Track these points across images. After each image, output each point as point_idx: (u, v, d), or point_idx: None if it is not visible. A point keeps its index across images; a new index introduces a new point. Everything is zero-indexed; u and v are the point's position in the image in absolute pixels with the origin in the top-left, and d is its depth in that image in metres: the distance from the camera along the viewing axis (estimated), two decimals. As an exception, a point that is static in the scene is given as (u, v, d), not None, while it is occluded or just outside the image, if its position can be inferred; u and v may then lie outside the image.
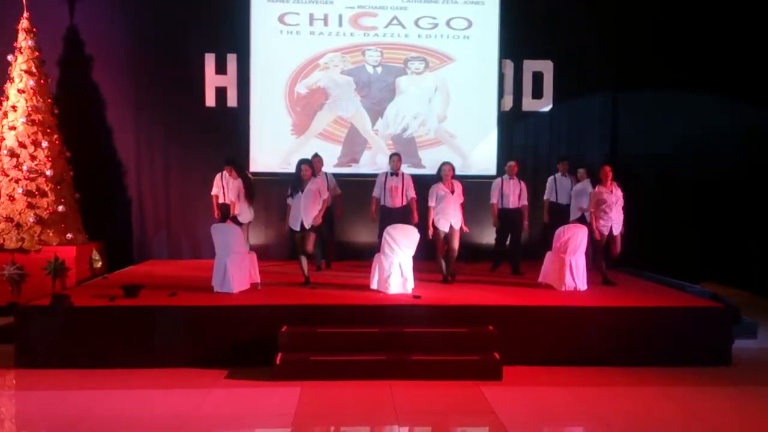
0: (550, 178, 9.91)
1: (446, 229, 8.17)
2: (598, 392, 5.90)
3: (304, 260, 7.92)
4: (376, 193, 9.10)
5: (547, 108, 11.03)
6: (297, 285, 7.89)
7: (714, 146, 10.67)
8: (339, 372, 6.09)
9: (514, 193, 9.11)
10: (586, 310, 6.89)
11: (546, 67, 10.95)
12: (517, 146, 10.90)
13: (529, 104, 11.04)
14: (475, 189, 9.62)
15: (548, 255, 8.10)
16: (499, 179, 9.28)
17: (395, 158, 9.11)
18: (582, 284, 7.78)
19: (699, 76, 10.69)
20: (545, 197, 9.92)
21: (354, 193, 9.99)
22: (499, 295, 7.50)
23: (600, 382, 6.18)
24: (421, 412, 5.41)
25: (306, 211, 7.70)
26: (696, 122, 10.73)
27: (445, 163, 8.33)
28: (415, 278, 7.60)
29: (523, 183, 9.25)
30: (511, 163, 9.30)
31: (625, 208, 8.33)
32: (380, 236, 8.15)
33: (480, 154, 10.89)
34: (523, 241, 9.50)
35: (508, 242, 9.35)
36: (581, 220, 9.19)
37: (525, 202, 9.21)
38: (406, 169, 9.97)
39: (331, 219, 9.41)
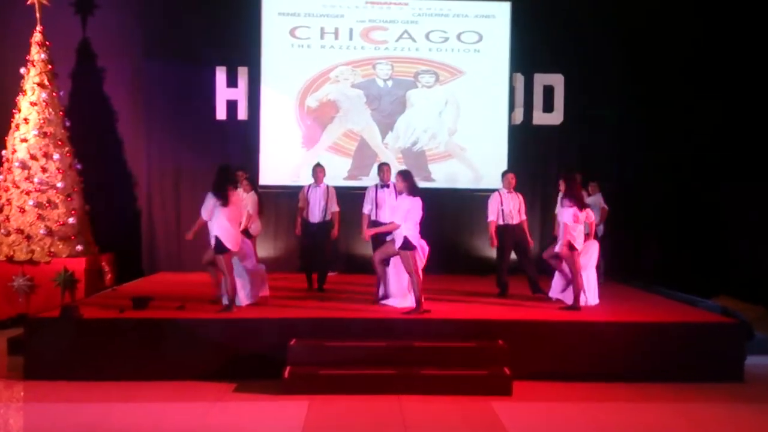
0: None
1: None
2: (609, 408, 5.85)
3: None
4: (366, 209, 8.56)
5: (558, 122, 11.00)
6: (305, 299, 7.90)
7: (728, 159, 10.61)
8: (348, 386, 6.05)
9: (514, 208, 8.41)
10: (597, 325, 6.83)
11: (557, 80, 10.94)
12: (527, 160, 10.86)
13: (539, 118, 11.01)
14: (485, 203, 9.54)
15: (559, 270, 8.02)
16: (496, 194, 8.54)
17: (384, 168, 8.61)
18: (593, 299, 7.72)
19: (713, 88, 10.65)
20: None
21: (362, 205, 9.91)
22: (509, 309, 7.45)
23: (611, 397, 6.12)
24: (431, 427, 5.36)
25: None
26: (709, 134, 10.68)
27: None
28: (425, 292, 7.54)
29: (520, 196, 8.56)
30: (509, 174, 8.62)
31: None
32: (374, 251, 7.86)
33: (491, 167, 10.81)
34: (534, 256, 9.03)
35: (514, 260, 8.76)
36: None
37: (524, 216, 8.52)
38: (417, 183, 9.93)
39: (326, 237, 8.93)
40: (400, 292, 7.41)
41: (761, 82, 10.45)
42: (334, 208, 8.91)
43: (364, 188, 9.51)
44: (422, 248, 7.41)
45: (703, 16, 10.69)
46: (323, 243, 8.86)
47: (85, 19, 10.50)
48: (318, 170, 8.92)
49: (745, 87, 10.54)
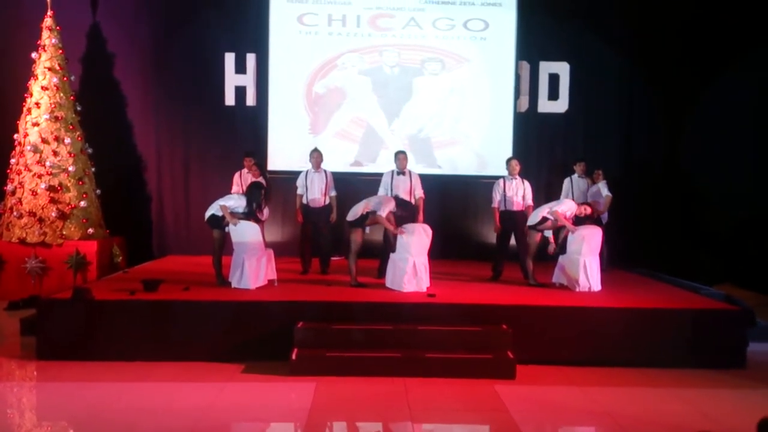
0: (567, 180, 9.90)
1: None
2: (611, 392, 5.91)
3: None
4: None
5: (563, 109, 11.04)
6: (312, 282, 7.99)
7: (731, 148, 10.66)
8: (354, 368, 6.13)
9: (517, 194, 8.52)
10: (599, 311, 6.90)
11: (562, 68, 10.98)
12: (532, 147, 10.93)
13: (545, 106, 11.07)
14: (490, 189, 9.60)
15: (562, 255, 8.11)
16: (501, 180, 8.70)
17: (401, 156, 8.64)
18: (596, 285, 7.79)
19: (718, 78, 10.67)
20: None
21: (365, 191, 9.91)
22: (513, 294, 7.53)
23: (613, 382, 6.19)
24: (435, 409, 5.45)
25: None
26: (712, 123, 10.72)
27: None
28: (430, 277, 7.65)
29: (527, 183, 8.65)
30: (513, 161, 8.67)
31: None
32: (384, 238, 8.15)
33: (495, 154, 10.88)
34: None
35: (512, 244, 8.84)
36: (596, 221, 9.20)
37: (530, 202, 8.57)
38: (422, 169, 10.00)
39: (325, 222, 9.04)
40: (406, 277, 7.49)
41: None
42: (333, 192, 9.06)
43: (370, 174, 9.61)
44: (426, 232, 7.59)
45: (710, 5, 10.69)
46: (324, 227, 8.98)
47: (96, 4, 10.56)
48: (316, 155, 9.00)
49: (748, 76, 10.58)
